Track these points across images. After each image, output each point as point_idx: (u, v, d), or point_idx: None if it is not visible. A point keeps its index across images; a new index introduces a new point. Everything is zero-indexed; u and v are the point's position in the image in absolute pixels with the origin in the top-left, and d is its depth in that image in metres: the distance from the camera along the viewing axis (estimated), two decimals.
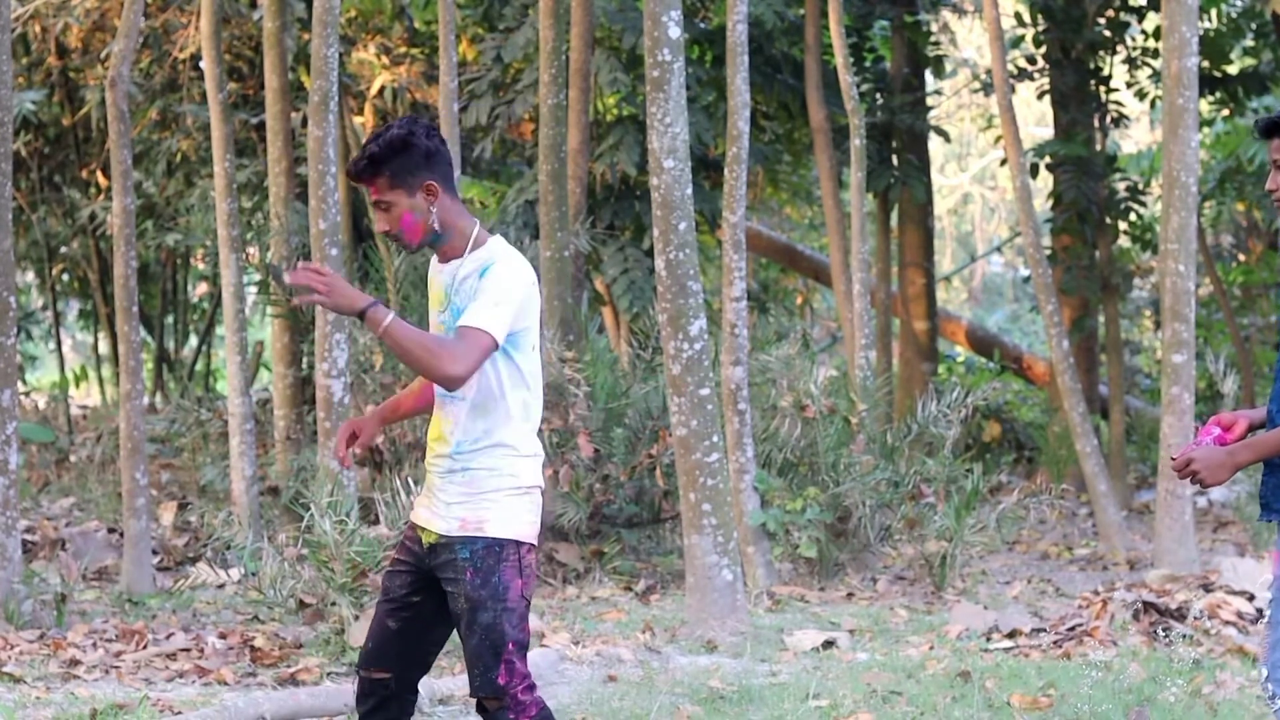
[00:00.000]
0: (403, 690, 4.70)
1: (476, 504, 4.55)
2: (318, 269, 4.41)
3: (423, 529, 4.63)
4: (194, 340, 20.64)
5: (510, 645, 4.48)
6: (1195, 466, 4.48)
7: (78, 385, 20.24)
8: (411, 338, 4.42)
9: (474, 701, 4.60)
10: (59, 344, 19.52)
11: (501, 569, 4.51)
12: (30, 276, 19.93)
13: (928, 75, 17.40)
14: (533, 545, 4.59)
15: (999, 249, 28.27)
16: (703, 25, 15.10)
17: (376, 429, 4.89)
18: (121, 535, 10.67)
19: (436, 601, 4.63)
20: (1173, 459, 4.58)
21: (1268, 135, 4.67)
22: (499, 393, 4.57)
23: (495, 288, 4.50)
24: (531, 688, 4.53)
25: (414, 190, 4.57)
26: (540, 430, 4.91)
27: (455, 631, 4.62)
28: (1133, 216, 15.80)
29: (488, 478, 4.56)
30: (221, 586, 9.44)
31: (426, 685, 6.95)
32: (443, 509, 4.58)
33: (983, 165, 32.02)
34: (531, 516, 4.60)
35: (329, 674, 7.55)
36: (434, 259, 4.72)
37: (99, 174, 16.72)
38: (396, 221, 4.57)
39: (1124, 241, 17.35)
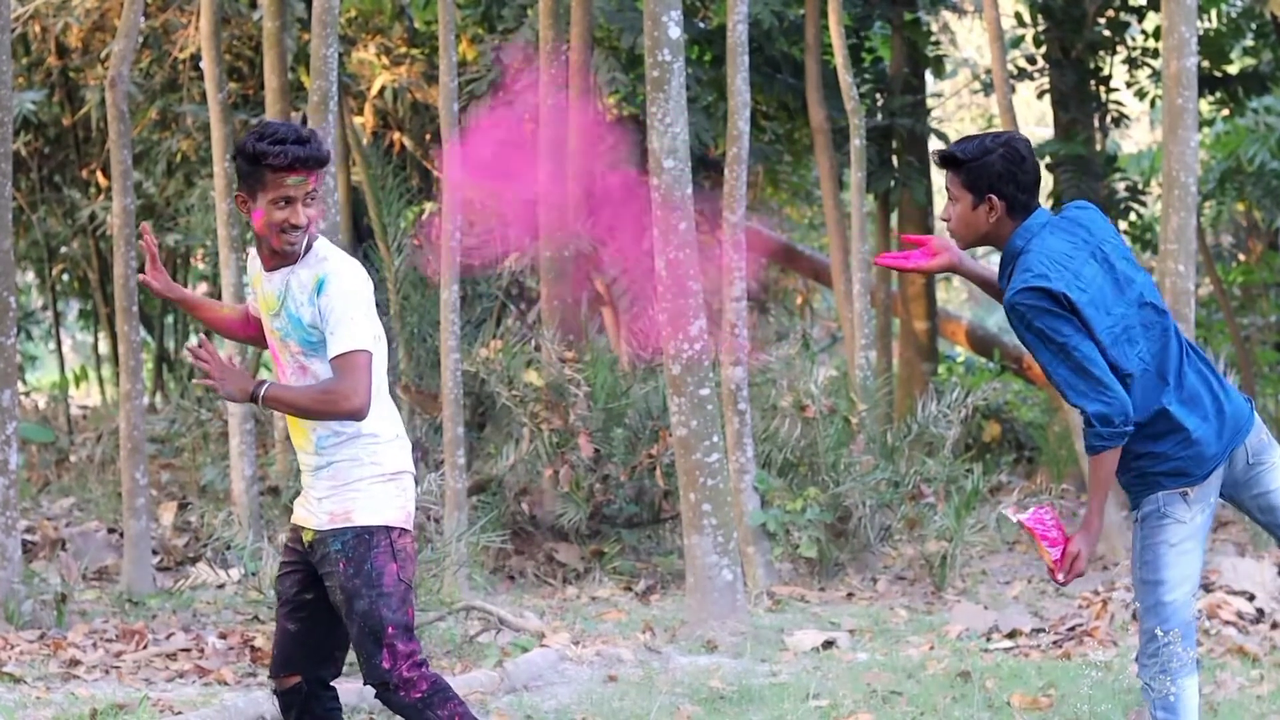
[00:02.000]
0: (316, 690, 4.76)
1: (342, 496, 4.61)
2: (208, 354, 4.53)
3: (302, 528, 4.69)
4: (194, 340, 20.62)
5: (389, 629, 4.54)
6: (1080, 565, 4.69)
7: (78, 385, 20.22)
8: (299, 398, 4.55)
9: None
10: (59, 344, 19.51)
11: (373, 556, 4.56)
12: (30, 276, 19.91)
13: (928, 76, 17.39)
14: (405, 529, 4.63)
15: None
16: (703, 25, 15.10)
17: (167, 288, 4.86)
18: (121, 535, 10.67)
19: (329, 597, 4.68)
20: (1058, 579, 4.72)
21: (943, 166, 4.72)
22: None
23: (345, 301, 4.53)
24: (419, 665, 4.57)
25: (321, 187, 4.62)
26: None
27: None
28: (1133, 216, 15.79)
29: (351, 468, 4.61)
30: (221, 586, 9.43)
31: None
32: (314, 505, 4.66)
33: None
34: (400, 501, 4.64)
35: None
36: (257, 262, 4.72)
37: (99, 174, 16.71)
38: (315, 215, 4.58)
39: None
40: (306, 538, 4.67)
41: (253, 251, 4.79)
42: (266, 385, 4.56)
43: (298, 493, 4.83)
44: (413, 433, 10.75)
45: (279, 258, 4.62)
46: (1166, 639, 4.68)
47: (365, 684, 4.61)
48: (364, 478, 4.60)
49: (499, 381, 10.73)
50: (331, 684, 4.80)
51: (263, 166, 4.51)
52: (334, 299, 4.52)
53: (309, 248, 4.61)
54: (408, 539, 4.63)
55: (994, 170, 4.66)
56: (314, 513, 4.65)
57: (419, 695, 4.55)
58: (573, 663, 7.80)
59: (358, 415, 4.53)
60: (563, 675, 7.60)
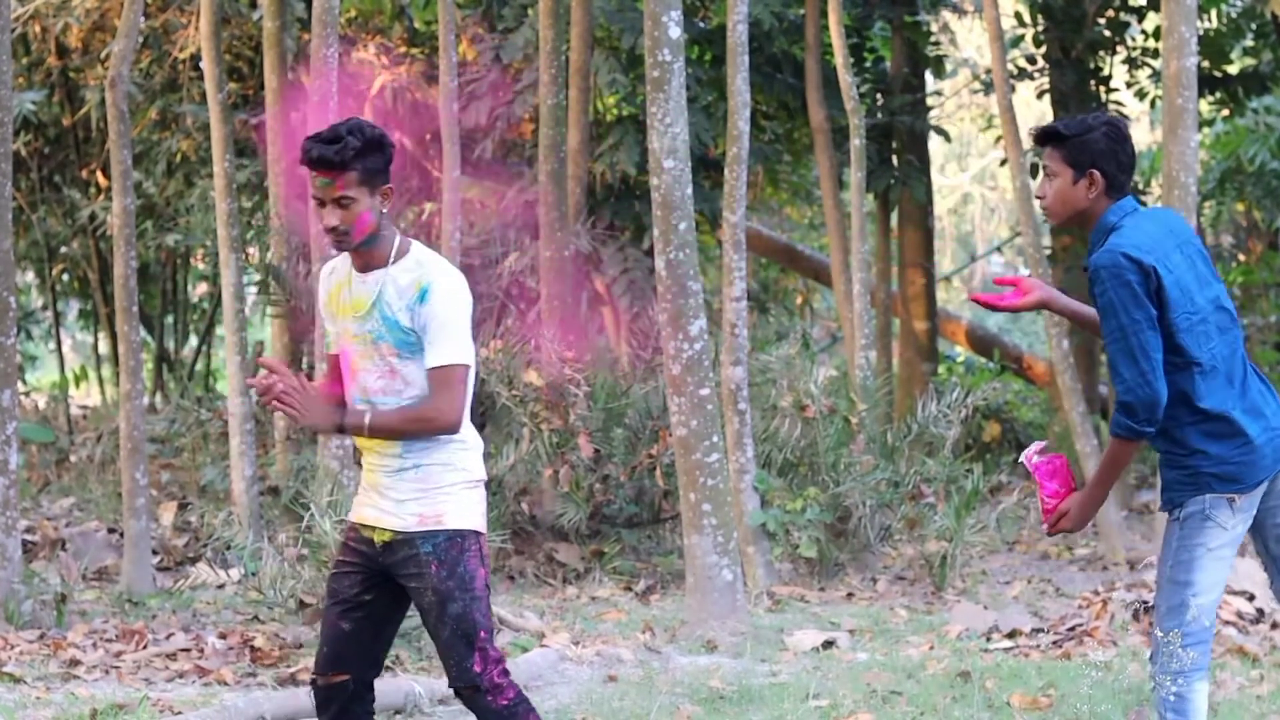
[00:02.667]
0: (361, 691, 4.75)
1: (433, 498, 4.60)
2: (283, 376, 4.48)
3: (371, 528, 4.66)
4: (194, 340, 20.64)
5: (482, 633, 4.55)
6: (1066, 524, 4.76)
7: (78, 385, 20.22)
8: (397, 421, 4.55)
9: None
10: (59, 344, 19.51)
11: (465, 559, 4.57)
12: (30, 276, 19.91)
13: (928, 75, 17.40)
14: (486, 536, 4.67)
15: (999, 249, 28.27)
16: (703, 25, 15.10)
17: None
18: (121, 535, 10.67)
19: (388, 599, 4.69)
20: (1044, 526, 4.85)
21: (1042, 143, 4.75)
22: None
23: (449, 311, 4.53)
24: (506, 671, 4.59)
25: (375, 190, 4.56)
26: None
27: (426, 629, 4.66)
28: None
29: (442, 472, 4.61)
30: (221, 586, 9.43)
31: (426, 686, 6.96)
32: (394, 506, 4.62)
33: (983, 165, 32.03)
34: (482, 508, 4.68)
35: None
36: (336, 267, 4.71)
37: (99, 174, 16.71)
38: (353, 219, 4.52)
39: None
40: (380, 538, 4.63)
41: (330, 265, 4.76)
42: (350, 415, 4.55)
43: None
44: None
45: (365, 257, 4.59)
46: (1183, 641, 4.68)
47: (451, 686, 4.59)
48: (456, 483, 4.60)
49: (499, 381, 10.73)
50: (373, 685, 4.79)
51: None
52: (437, 308, 4.51)
53: (404, 251, 4.59)
54: (488, 547, 4.68)
55: (1098, 147, 4.70)
56: (394, 514, 4.60)
57: (505, 702, 4.55)
58: (573, 663, 7.80)
59: (452, 430, 4.54)
60: (563, 675, 7.60)
